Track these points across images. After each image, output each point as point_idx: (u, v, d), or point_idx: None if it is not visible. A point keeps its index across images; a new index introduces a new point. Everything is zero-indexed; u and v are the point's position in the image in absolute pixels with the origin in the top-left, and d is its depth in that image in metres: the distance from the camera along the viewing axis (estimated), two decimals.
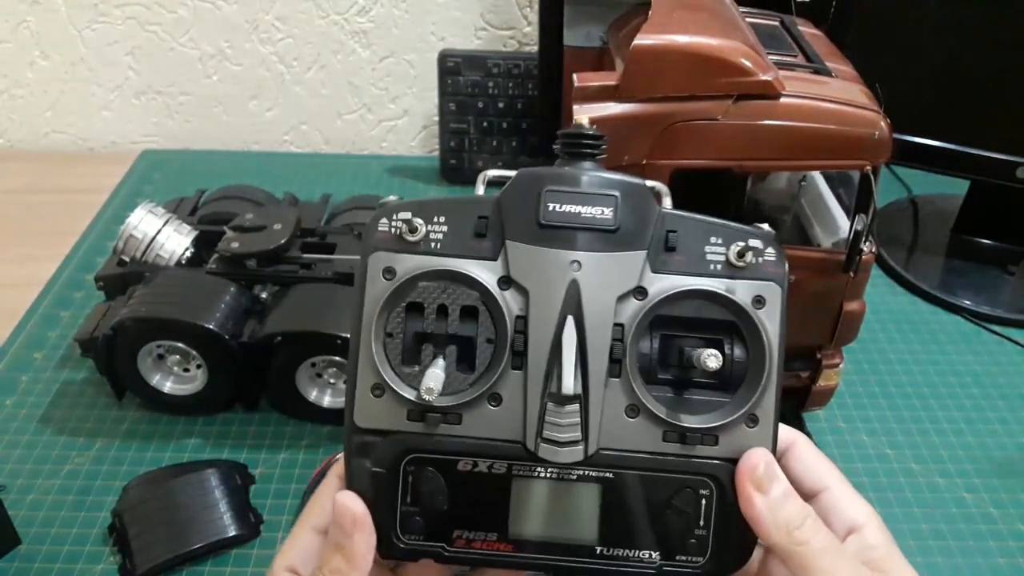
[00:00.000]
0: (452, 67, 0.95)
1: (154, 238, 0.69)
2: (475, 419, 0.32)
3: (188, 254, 0.70)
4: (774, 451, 0.32)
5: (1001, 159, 0.80)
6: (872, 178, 0.53)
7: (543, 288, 0.32)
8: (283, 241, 0.68)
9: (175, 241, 0.69)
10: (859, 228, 0.54)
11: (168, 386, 0.66)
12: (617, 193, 0.32)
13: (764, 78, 0.51)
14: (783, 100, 0.52)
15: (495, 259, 0.32)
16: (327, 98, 1.06)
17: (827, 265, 0.57)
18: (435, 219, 0.33)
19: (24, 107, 1.05)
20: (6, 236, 0.89)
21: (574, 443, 0.32)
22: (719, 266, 0.32)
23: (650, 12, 0.54)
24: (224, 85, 1.04)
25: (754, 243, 0.32)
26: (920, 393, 0.73)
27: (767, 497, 0.31)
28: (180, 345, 0.64)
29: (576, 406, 0.31)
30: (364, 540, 0.31)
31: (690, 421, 0.32)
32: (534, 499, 0.33)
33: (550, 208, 0.32)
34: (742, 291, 0.32)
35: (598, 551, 0.33)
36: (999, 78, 0.79)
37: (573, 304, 0.31)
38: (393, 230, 0.33)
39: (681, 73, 0.51)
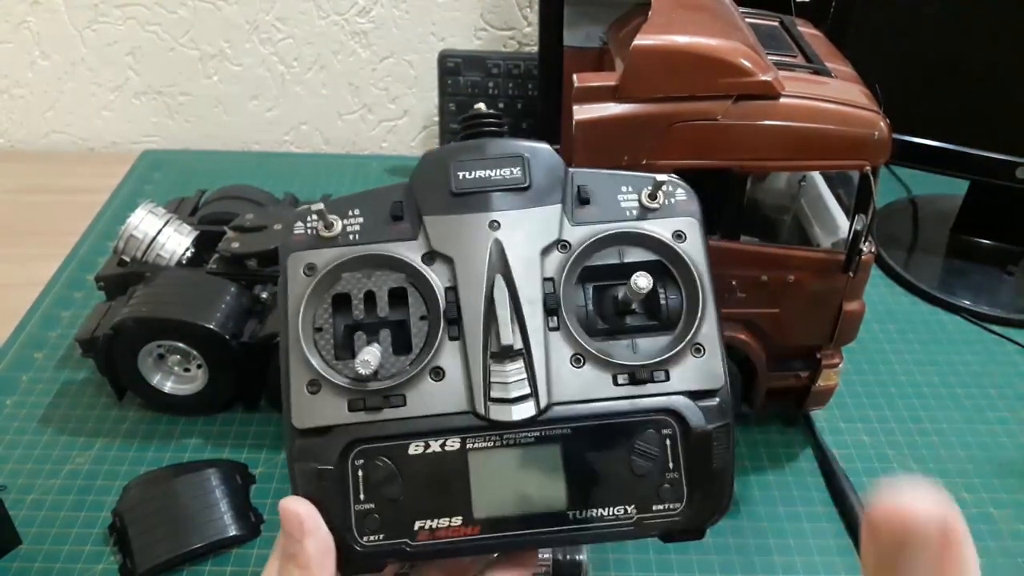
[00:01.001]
0: (452, 67, 0.95)
1: (155, 238, 0.69)
2: (420, 397, 0.31)
3: (188, 254, 0.70)
4: (726, 376, 0.32)
5: (1001, 159, 0.80)
6: (872, 178, 0.53)
7: (467, 253, 0.32)
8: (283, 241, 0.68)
9: (175, 241, 0.70)
10: (859, 228, 0.54)
11: (168, 386, 0.66)
12: (524, 154, 0.33)
13: (764, 78, 0.51)
14: (783, 100, 0.52)
15: (415, 238, 0.33)
16: (327, 98, 1.06)
17: (827, 265, 0.57)
18: (349, 212, 0.33)
19: (24, 107, 1.05)
20: (6, 236, 0.89)
21: (524, 399, 0.31)
22: (634, 211, 0.33)
23: (650, 12, 0.54)
24: (224, 85, 1.04)
25: (663, 182, 0.33)
26: (920, 393, 0.73)
27: None
28: (180, 345, 0.64)
29: (520, 362, 0.31)
30: (316, 544, 0.29)
31: (637, 359, 0.32)
32: (494, 472, 0.31)
33: (460, 176, 0.33)
34: (661, 228, 0.33)
35: (570, 516, 0.32)
36: (998, 78, 0.79)
37: (499, 263, 0.32)
38: (309, 230, 0.33)
39: (681, 73, 0.51)
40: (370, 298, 0.32)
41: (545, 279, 0.32)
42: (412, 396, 0.31)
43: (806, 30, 0.63)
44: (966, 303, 0.82)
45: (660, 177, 0.33)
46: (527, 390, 0.31)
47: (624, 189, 0.34)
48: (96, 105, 1.06)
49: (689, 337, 0.32)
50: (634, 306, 0.33)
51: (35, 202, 0.95)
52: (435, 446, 0.31)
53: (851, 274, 0.57)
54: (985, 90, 0.80)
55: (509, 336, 0.31)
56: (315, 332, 0.32)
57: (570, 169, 0.34)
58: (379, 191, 0.34)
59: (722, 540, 0.59)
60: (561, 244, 0.33)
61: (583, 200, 0.33)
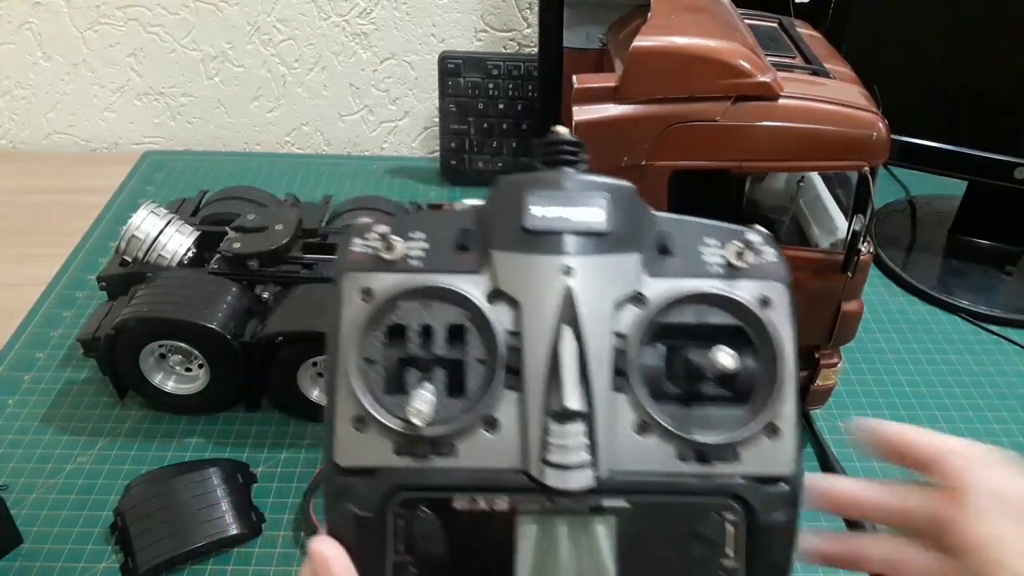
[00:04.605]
0: (452, 69, 0.96)
1: (156, 238, 0.69)
2: (470, 448, 0.29)
3: (190, 254, 0.70)
4: (799, 462, 0.30)
5: (999, 160, 0.81)
6: (870, 179, 0.54)
7: (535, 298, 0.29)
8: (284, 242, 0.68)
9: (177, 241, 0.70)
10: (857, 229, 0.55)
11: (170, 385, 0.67)
12: (606, 194, 0.30)
13: (762, 79, 0.52)
14: (781, 101, 0.52)
15: (481, 272, 0.30)
16: (328, 99, 1.06)
17: (825, 265, 0.57)
18: (413, 235, 0.31)
19: (26, 108, 1.06)
20: (8, 236, 0.90)
21: (582, 466, 0.28)
22: (718, 268, 0.30)
23: (649, 14, 0.54)
24: (226, 86, 1.05)
25: (752, 241, 0.30)
26: (918, 393, 0.73)
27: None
28: (182, 345, 0.64)
29: (581, 424, 0.28)
30: None
31: (706, 436, 0.29)
32: (542, 540, 0.29)
33: (536, 212, 0.30)
34: (746, 291, 0.30)
35: None
36: (997, 79, 0.79)
37: (569, 313, 0.29)
38: (368, 249, 0.30)
39: (680, 74, 0.51)
40: (427, 332, 0.30)
41: (616, 334, 0.29)
42: (463, 446, 0.29)
43: (805, 31, 0.64)
44: (964, 303, 0.82)
45: (750, 235, 0.30)
46: (587, 457, 0.28)
47: (708, 241, 0.31)
48: (98, 106, 1.06)
49: (764, 418, 0.29)
50: (708, 374, 0.30)
51: (37, 202, 0.95)
52: (482, 503, 0.29)
53: (849, 274, 0.57)
54: (983, 91, 0.81)
55: (574, 399, 0.28)
56: (366, 363, 0.30)
57: (654, 214, 0.31)
58: (446, 215, 0.31)
59: None
60: (637, 298, 0.30)
61: (664, 250, 0.30)
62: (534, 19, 1.00)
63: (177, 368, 0.66)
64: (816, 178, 0.66)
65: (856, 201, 0.55)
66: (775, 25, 0.64)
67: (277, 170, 1.02)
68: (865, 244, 0.57)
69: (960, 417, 0.71)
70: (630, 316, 0.30)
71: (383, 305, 0.30)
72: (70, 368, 0.72)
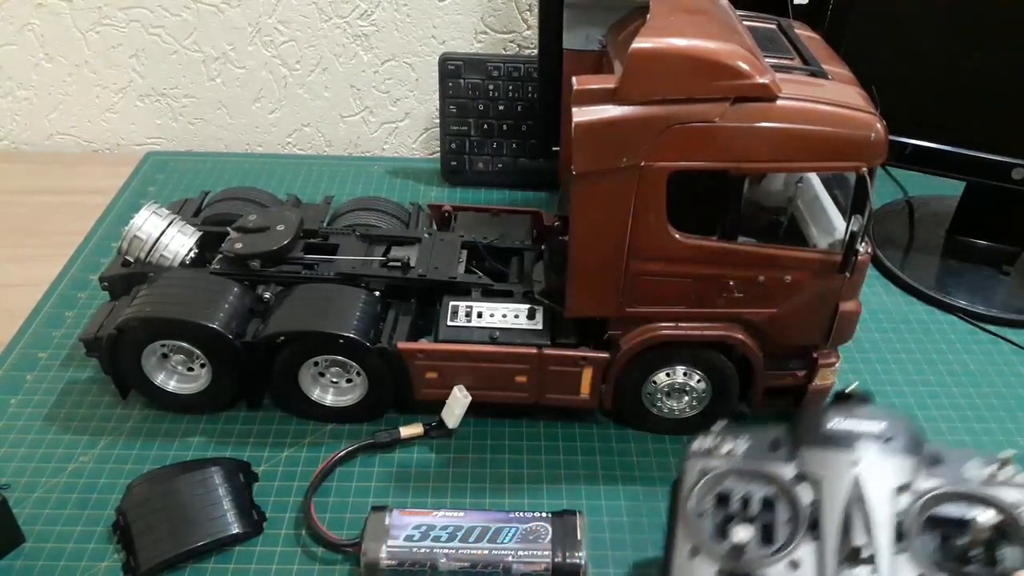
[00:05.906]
0: (453, 70, 0.96)
1: (158, 239, 0.70)
2: None
3: (192, 255, 0.71)
4: None
5: (997, 160, 0.81)
6: (868, 179, 0.54)
7: (831, 478, 0.42)
8: (286, 242, 0.69)
9: (179, 242, 0.70)
10: (855, 229, 0.55)
11: (172, 385, 0.67)
12: (886, 415, 0.44)
13: (761, 81, 0.52)
14: (779, 103, 0.53)
15: (789, 462, 0.44)
16: (329, 100, 1.06)
17: (823, 266, 0.58)
18: (739, 439, 0.46)
19: (29, 109, 1.06)
20: (10, 236, 0.90)
21: None
22: (978, 480, 0.42)
23: (648, 15, 0.54)
24: (227, 88, 1.05)
25: (1006, 463, 0.43)
26: (916, 392, 0.73)
27: None
28: (184, 345, 0.64)
29: (868, 569, 0.39)
30: None
31: None
32: None
33: (833, 423, 0.44)
34: (1001, 494, 0.41)
35: None
36: (994, 80, 0.79)
37: (857, 491, 0.41)
38: (708, 445, 0.46)
39: (679, 76, 0.51)
40: (746, 501, 0.43)
41: (896, 513, 0.41)
42: None
43: (803, 33, 0.64)
44: (962, 303, 0.83)
45: (1004, 459, 0.42)
46: None
47: (972, 463, 0.43)
48: (100, 107, 1.06)
49: None
50: (972, 554, 0.40)
51: (39, 203, 0.96)
52: None
53: (847, 274, 0.58)
54: (980, 92, 0.81)
55: (861, 538, 0.39)
56: (700, 516, 0.43)
57: (925, 442, 0.45)
58: (765, 429, 0.47)
59: None
60: (912, 489, 0.41)
61: (935, 461, 0.43)
62: (534, 21, 1.01)
63: (179, 368, 0.67)
64: (814, 179, 0.67)
65: (854, 202, 0.55)
66: (774, 27, 0.64)
67: (278, 171, 1.02)
68: (863, 244, 0.57)
69: (957, 416, 0.71)
70: (906, 500, 0.42)
71: (714, 478, 0.44)
72: (72, 368, 0.72)
